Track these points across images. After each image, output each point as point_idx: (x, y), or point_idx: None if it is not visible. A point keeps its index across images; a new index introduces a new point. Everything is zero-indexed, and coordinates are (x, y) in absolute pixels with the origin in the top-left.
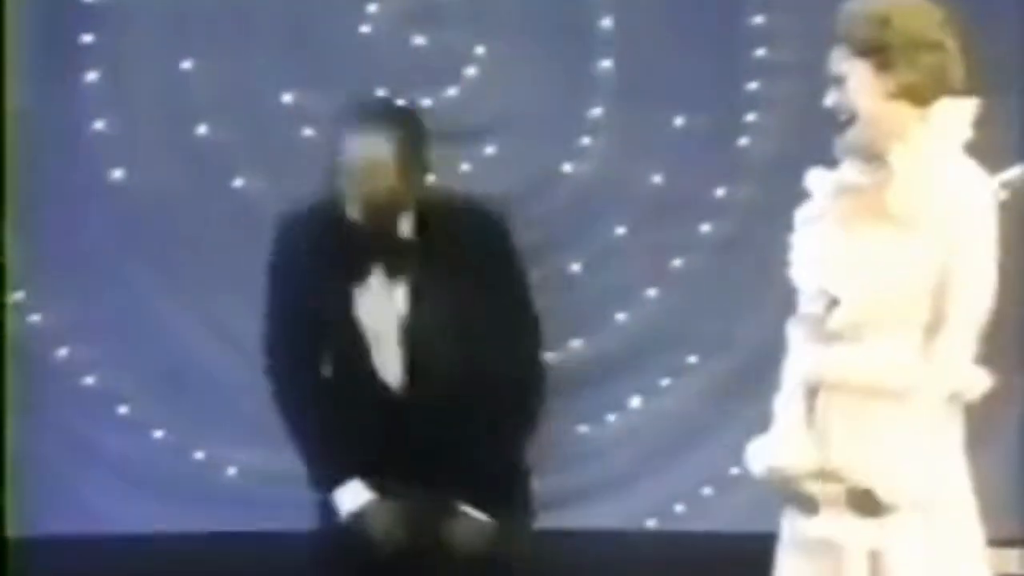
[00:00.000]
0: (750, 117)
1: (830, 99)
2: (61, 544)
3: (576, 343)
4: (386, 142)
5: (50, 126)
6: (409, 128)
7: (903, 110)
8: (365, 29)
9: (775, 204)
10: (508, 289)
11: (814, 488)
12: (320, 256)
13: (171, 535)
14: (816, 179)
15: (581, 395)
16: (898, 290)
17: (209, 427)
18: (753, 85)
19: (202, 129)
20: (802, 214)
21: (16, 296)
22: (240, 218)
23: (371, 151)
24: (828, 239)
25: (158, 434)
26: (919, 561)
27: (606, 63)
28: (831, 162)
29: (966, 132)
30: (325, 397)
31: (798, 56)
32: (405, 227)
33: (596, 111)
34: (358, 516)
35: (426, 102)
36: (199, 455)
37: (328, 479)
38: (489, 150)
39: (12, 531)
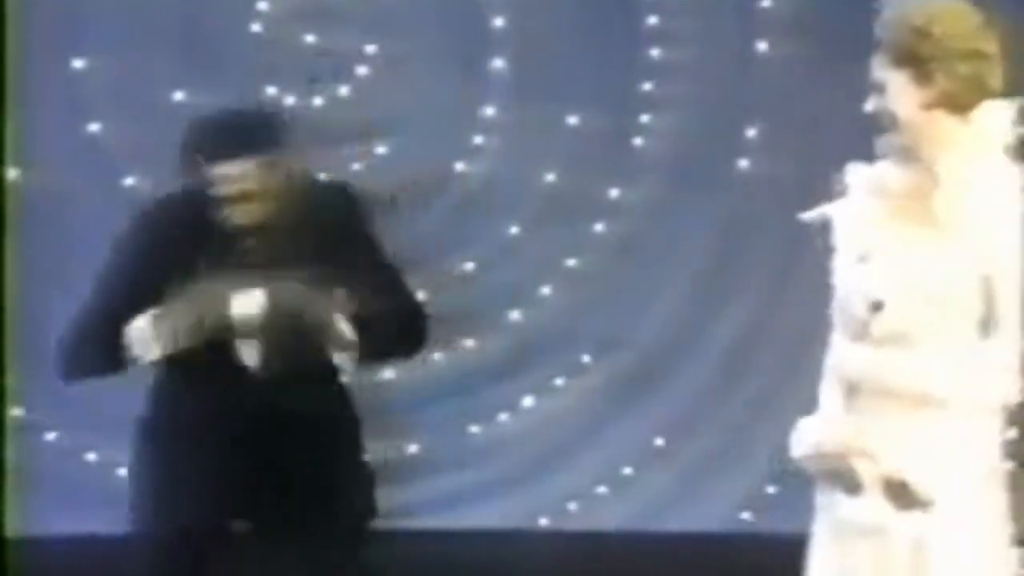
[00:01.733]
0: (644, 117)
1: (870, 104)
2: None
3: (469, 342)
4: (250, 168)
5: None
6: (266, 142)
7: (942, 118)
8: (256, 28)
9: (669, 204)
10: (366, 250)
11: (859, 467)
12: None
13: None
14: (855, 175)
15: (474, 394)
16: (943, 295)
17: None
18: (648, 85)
19: (94, 127)
20: (839, 211)
21: None
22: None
23: (238, 183)
24: (872, 241)
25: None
26: (961, 552)
27: (499, 62)
28: (726, 162)
29: (1008, 134)
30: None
31: (693, 56)
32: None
33: (489, 110)
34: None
35: (317, 101)
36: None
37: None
38: (381, 149)
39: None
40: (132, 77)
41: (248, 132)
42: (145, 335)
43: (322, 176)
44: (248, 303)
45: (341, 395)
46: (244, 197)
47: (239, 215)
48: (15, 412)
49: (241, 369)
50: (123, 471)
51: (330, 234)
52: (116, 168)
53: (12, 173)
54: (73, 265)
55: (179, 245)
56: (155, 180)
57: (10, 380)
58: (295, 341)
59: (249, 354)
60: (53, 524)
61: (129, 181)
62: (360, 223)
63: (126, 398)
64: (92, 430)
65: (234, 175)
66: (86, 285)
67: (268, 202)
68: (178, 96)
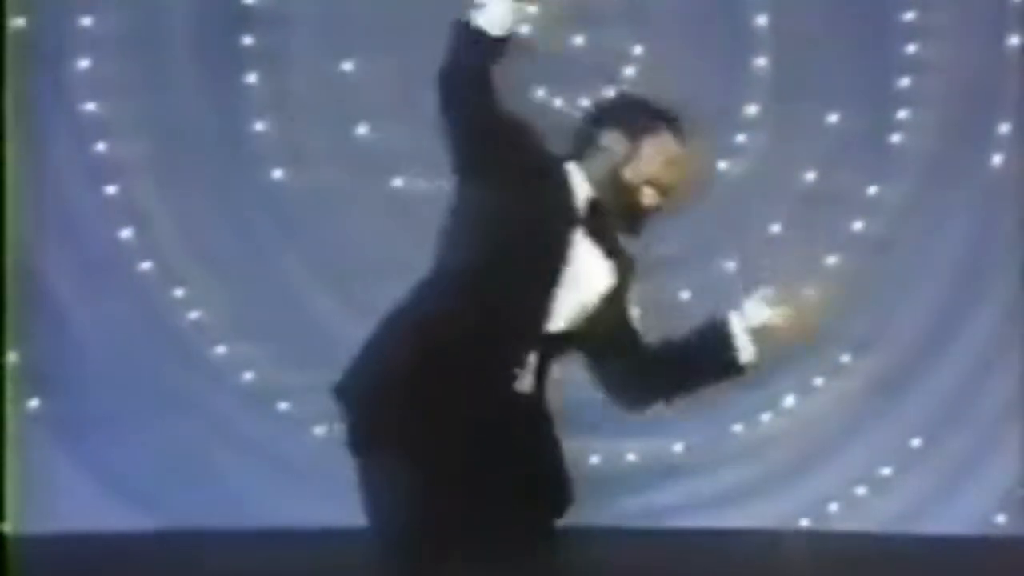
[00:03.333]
0: (901, 114)
1: None
2: (210, 537)
3: None
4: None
5: (211, 127)
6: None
7: None
8: (524, 30)
9: (925, 201)
10: None
11: None
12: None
13: (332, 530)
14: None
15: (736, 395)
16: None
17: None
18: (904, 81)
19: (362, 129)
20: None
21: (177, 292)
22: (399, 217)
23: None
24: None
25: (318, 430)
26: None
27: (761, 60)
28: (980, 158)
29: None
30: None
31: (947, 52)
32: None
33: (751, 109)
34: None
35: (583, 102)
36: None
37: None
38: None
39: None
40: (398, 79)
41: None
42: None
43: None
44: None
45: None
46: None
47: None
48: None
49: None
50: None
51: None
52: (385, 169)
53: (277, 173)
54: (346, 264)
55: None
56: (422, 181)
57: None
58: None
59: None
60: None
61: (397, 182)
62: None
63: None
64: None
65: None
66: (357, 285)
67: None
68: None
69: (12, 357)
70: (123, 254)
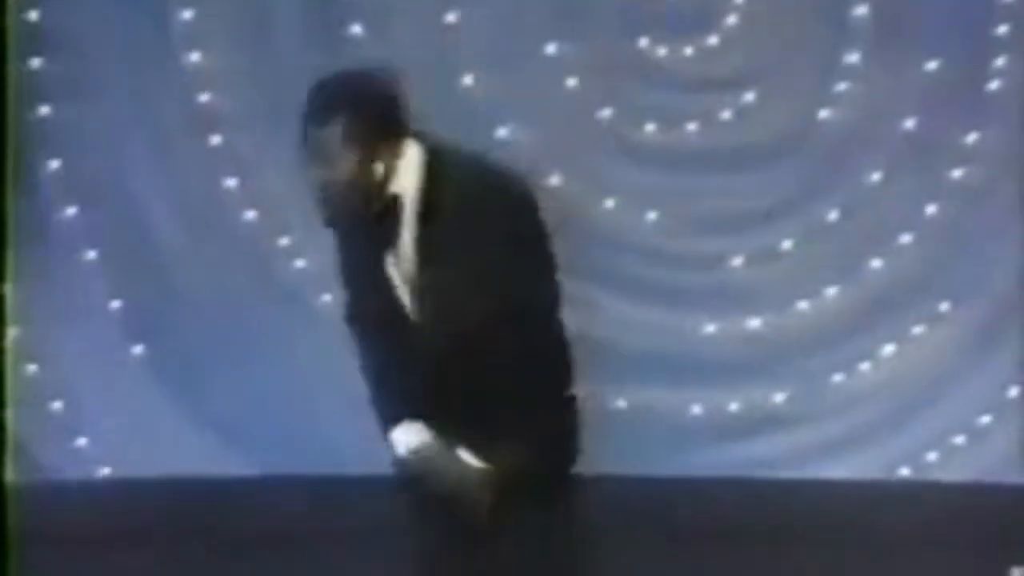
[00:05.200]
0: (1000, 61)
1: None
2: (310, 483)
3: (831, 291)
4: (328, 135)
5: (314, 77)
6: (351, 107)
7: None
8: None
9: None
10: (520, 263)
11: None
12: (339, 230)
13: None
14: None
15: (836, 344)
16: None
17: None
18: (1003, 29)
19: (467, 80)
20: None
21: (282, 241)
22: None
23: (318, 150)
24: None
25: None
26: None
27: (862, 9)
28: None
29: None
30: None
31: None
32: (402, 184)
33: (851, 57)
34: (414, 455)
35: (687, 51)
36: None
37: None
38: (748, 97)
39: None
40: (505, 30)
41: (323, 94)
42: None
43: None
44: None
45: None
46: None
47: (319, 176)
48: None
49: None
50: None
51: (480, 224)
52: (489, 120)
53: None
54: None
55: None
56: (528, 133)
57: None
58: None
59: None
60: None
61: (502, 132)
62: (518, 229)
63: None
64: None
65: (314, 142)
66: None
67: (351, 169)
68: (549, 49)
69: (115, 304)
70: (227, 203)
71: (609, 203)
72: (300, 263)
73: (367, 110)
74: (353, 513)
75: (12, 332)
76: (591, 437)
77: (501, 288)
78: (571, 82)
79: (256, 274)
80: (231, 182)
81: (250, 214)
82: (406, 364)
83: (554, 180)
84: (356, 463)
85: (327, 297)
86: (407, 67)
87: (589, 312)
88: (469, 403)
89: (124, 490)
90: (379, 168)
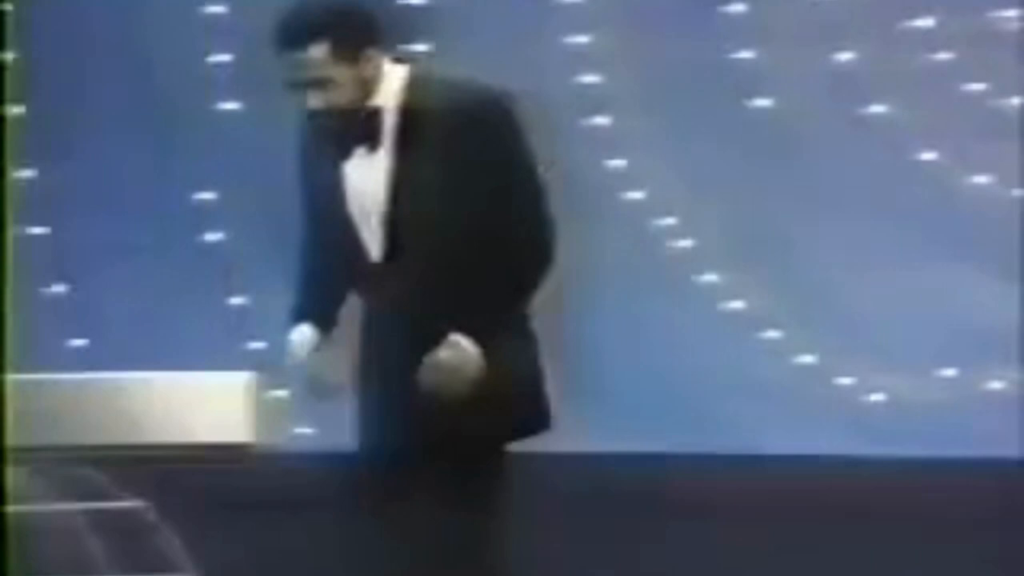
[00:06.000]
0: None
1: None
2: (692, 460)
3: None
4: (315, 55)
5: (694, 57)
6: (336, 25)
7: None
8: None
9: None
10: (505, 170)
11: None
12: (309, 147)
13: (806, 457)
14: None
15: None
16: None
17: (856, 354)
18: None
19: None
20: None
21: (667, 221)
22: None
23: (304, 71)
24: None
25: (805, 359)
26: None
27: None
28: None
29: None
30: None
31: None
32: (386, 99)
33: None
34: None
35: None
36: (844, 380)
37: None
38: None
39: None
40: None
41: (299, 16)
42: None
43: (474, 80)
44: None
45: None
46: (317, 83)
47: (313, 100)
48: None
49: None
50: None
51: (456, 144)
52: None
53: (760, 101)
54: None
55: (315, 150)
56: (897, 106)
57: None
58: None
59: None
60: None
61: (875, 108)
62: (496, 139)
63: None
64: None
65: (296, 64)
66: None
67: (348, 90)
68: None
69: None
70: (612, 183)
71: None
72: (683, 243)
73: (352, 23)
74: (730, 490)
75: None
76: None
77: (473, 216)
78: (941, 56)
79: (639, 253)
80: (617, 162)
81: (635, 194)
82: (339, 288)
83: (925, 155)
84: (736, 441)
85: (710, 276)
86: (782, 43)
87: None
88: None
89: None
90: (366, 84)
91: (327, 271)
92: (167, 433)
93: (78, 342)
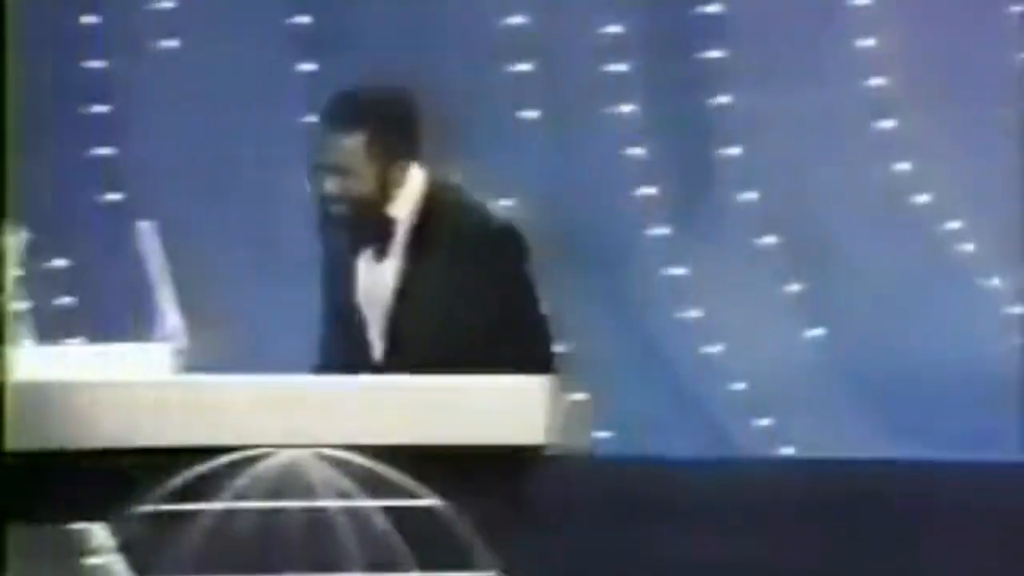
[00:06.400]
0: None
1: None
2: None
3: None
4: (349, 143)
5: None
6: (377, 121)
7: None
8: None
9: None
10: (508, 298)
11: None
12: (328, 242)
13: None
14: None
15: None
16: None
17: None
18: None
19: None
20: None
21: (951, 224)
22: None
23: (333, 156)
24: None
25: None
26: None
27: None
28: None
29: None
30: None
31: None
32: (400, 209)
33: None
34: None
35: None
36: None
37: None
38: None
39: None
40: None
41: (348, 102)
42: None
43: (487, 204)
44: None
45: None
46: (339, 170)
47: (330, 184)
48: None
49: None
50: None
51: (462, 265)
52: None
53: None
54: None
55: (332, 246)
56: None
57: None
58: None
59: None
60: None
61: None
62: (502, 266)
63: None
64: None
65: (330, 146)
66: None
67: (367, 186)
68: None
69: (793, 287)
70: (900, 187)
71: None
72: (968, 247)
73: (393, 126)
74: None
75: (693, 313)
76: None
77: (472, 335)
78: None
79: (927, 257)
80: (903, 166)
81: (922, 198)
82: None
83: None
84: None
85: (995, 281)
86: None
87: None
88: None
89: (805, 469)
90: (387, 186)
91: (338, 357)
92: (464, 435)
93: None
